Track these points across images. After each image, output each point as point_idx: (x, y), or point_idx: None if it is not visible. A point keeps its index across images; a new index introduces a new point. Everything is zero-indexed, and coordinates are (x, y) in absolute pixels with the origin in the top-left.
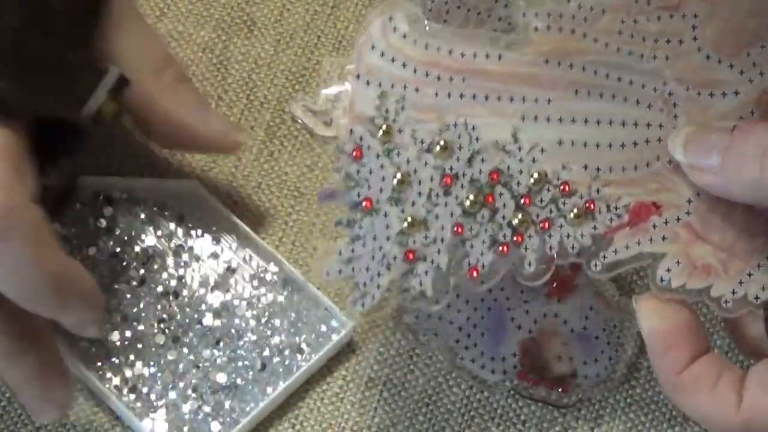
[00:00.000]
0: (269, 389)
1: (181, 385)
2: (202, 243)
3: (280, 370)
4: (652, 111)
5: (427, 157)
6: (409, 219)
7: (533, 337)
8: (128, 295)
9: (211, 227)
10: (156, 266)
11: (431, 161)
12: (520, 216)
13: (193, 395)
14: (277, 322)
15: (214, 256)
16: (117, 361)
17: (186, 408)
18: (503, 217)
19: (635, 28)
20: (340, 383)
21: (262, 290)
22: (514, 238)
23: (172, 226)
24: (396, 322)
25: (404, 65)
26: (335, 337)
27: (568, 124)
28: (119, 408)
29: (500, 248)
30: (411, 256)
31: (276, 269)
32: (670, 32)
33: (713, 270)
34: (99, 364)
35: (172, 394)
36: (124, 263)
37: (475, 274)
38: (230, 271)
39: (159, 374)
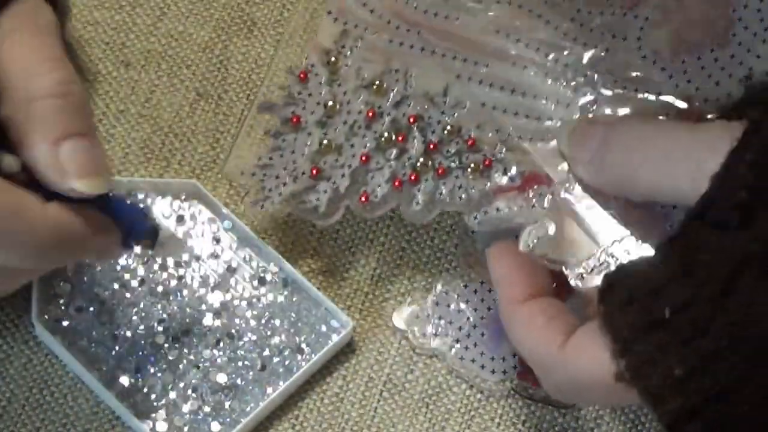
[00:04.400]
0: (269, 389)
1: (181, 385)
2: (202, 243)
3: (280, 370)
4: (576, 94)
5: (362, 92)
6: (326, 141)
7: None
8: (128, 295)
9: (211, 227)
10: (156, 266)
11: (364, 96)
12: (422, 160)
13: (193, 395)
14: (277, 322)
15: (214, 256)
16: (117, 361)
17: (186, 408)
18: (409, 158)
19: (583, 17)
20: (340, 383)
21: (262, 290)
22: (411, 177)
23: (172, 226)
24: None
25: (372, 11)
26: (335, 337)
27: (496, 90)
28: (119, 408)
29: (395, 182)
30: (315, 172)
31: (276, 269)
32: (617, 28)
33: (578, 244)
34: (99, 364)
35: (172, 394)
36: (124, 263)
37: (364, 199)
38: (230, 271)
39: (159, 374)
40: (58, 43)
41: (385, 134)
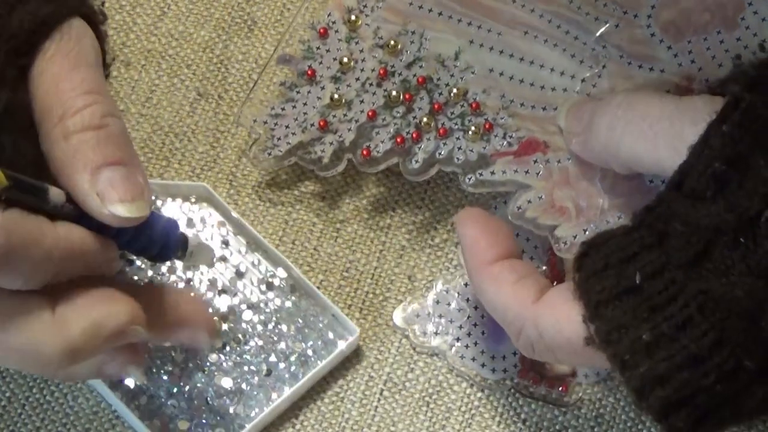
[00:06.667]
0: (274, 395)
1: (186, 388)
2: (211, 246)
3: (286, 376)
4: (581, 66)
5: (377, 51)
6: (336, 96)
7: None
8: None
9: (220, 230)
10: (164, 269)
11: (379, 55)
12: (425, 119)
13: (198, 399)
14: (283, 327)
15: (223, 259)
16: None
17: (190, 412)
18: (414, 117)
19: None
20: (340, 382)
21: (270, 295)
22: (414, 136)
23: (181, 228)
24: None
25: None
26: (342, 345)
27: (506, 57)
28: (120, 408)
29: (397, 139)
30: (323, 124)
31: (284, 274)
32: (629, 5)
33: (566, 213)
34: None
35: (177, 398)
36: (133, 266)
37: (366, 154)
38: (238, 275)
39: (164, 377)
40: (97, 73)
41: (393, 93)
